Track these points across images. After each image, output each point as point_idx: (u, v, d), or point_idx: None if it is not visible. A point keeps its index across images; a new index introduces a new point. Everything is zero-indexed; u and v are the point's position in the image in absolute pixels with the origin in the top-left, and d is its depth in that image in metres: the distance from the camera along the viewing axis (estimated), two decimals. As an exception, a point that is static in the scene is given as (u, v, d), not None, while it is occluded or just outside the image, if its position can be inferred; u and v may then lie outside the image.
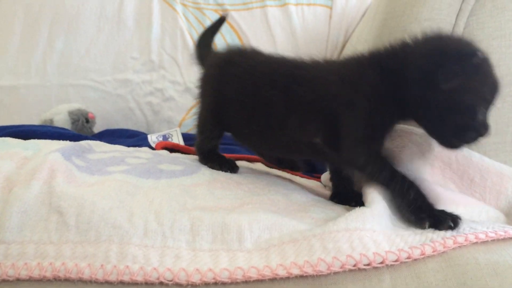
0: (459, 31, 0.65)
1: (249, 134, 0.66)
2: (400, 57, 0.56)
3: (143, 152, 0.72)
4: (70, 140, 0.89)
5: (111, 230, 0.46)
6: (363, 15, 1.48)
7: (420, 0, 0.65)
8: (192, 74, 1.47)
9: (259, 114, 0.63)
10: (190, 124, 1.45)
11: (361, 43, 0.93)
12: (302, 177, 0.89)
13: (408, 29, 0.66)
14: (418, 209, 0.49)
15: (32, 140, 0.69)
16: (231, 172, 0.64)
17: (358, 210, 0.46)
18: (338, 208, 0.55)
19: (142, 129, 1.45)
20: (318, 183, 0.82)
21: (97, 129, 1.38)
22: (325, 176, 0.78)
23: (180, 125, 1.45)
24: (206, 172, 0.60)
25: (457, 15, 0.65)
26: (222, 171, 0.64)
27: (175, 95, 1.46)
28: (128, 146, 0.94)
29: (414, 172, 0.59)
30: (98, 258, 0.44)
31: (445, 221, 0.47)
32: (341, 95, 0.57)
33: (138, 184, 0.54)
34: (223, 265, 0.43)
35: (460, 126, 0.52)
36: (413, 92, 0.53)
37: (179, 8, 1.52)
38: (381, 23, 0.71)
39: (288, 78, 0.61)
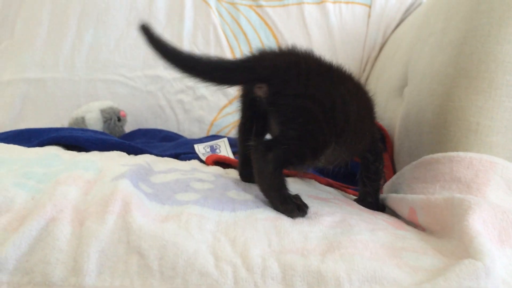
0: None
1: None
2: None
3: (202, 172, 0.68)
4: (113, 147, 0.86)
5: (199, 278, 0.42)
6: (402, 16, 1.42)
7: (509, 21, 0.60)
8: (225, 72, 1.43)
9: None
10: (222, 124, 1.41)
11: (415, 54, 0.88)
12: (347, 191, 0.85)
13: (494, 51, 0.61)
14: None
15: (88, 156, 0.65)
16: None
17: (469, 265, 0.42)
18: (428, 250, 0.51)
19: (172, 127, 1.41)
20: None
21: (127, 127, 1.34)
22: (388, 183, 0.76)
23: (211, 125, 1.41)
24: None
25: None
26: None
27: (207, 94, 1.42)
28: (171, 154, 0.90)
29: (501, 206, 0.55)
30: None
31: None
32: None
33: (215, 218, 0.50)
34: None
35: None
36: None
37: (212, 2, 1.47)
38: (460, 42, 0.66)
39: None
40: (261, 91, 0.59)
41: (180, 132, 1.40)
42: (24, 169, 0.57)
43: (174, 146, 1.01)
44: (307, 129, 0.57)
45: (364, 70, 1.45)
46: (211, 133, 1.42)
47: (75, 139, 0.85)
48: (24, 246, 0.44)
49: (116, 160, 0.67)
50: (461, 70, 0.64)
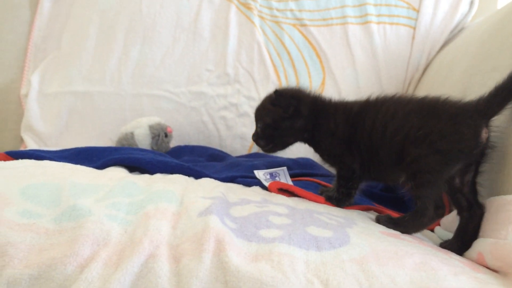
0: None
1: None
2: None
3: (274, 203, 0.69)
4: (173, 169, 0.88)
5: (300, 323, 0.43)
6: (447, 38, 1.42)
7: None
8: (268, 90, 1.44)
9: None
10: (263, 142, 1.42)
11: (474, 86, 0.88)
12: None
13: None
14: None
15: (163, 185, 0.67)
16: None
17: None
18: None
19: (214, 143, 1.43)
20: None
21: (171, 142, 1.36)
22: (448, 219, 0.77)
23: (253, 142, 1.42)
24: (358, 241, 0.57)
25: None
26: None
27: (250, 111, 1.43)
28: (227, 177, 0.91)
29: None
30: None
31: None
32: None
33: (303, 257, 0.51)
34: None
35: None
36: None
37: (256, 20, 1.49)
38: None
39: None
40: None
41: (222, 148, 1.42)
42: (110, 200, 0.59)
43: (227, 167, 1.03)
44: None
45: (407, 91, 1.45)
46: (252, 151, 1.43)
47: (138, 161, 0.87)
48: (127, 283, 0.46)
49: (188, 188, 0.69)
50: (536, 112, 0.65)
